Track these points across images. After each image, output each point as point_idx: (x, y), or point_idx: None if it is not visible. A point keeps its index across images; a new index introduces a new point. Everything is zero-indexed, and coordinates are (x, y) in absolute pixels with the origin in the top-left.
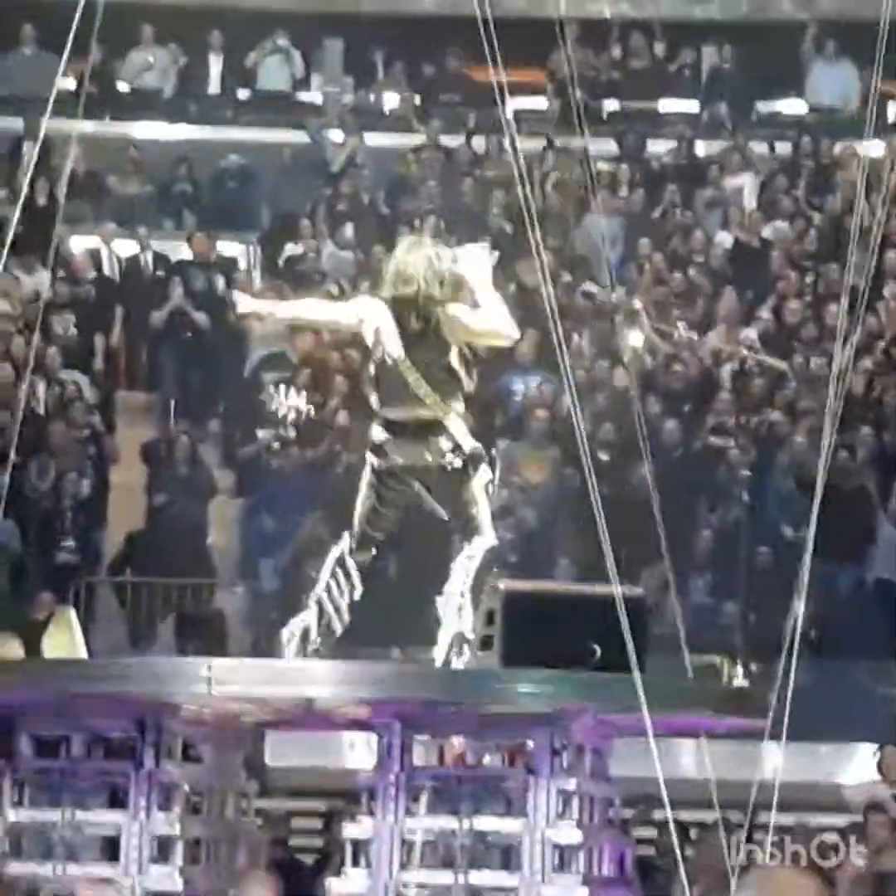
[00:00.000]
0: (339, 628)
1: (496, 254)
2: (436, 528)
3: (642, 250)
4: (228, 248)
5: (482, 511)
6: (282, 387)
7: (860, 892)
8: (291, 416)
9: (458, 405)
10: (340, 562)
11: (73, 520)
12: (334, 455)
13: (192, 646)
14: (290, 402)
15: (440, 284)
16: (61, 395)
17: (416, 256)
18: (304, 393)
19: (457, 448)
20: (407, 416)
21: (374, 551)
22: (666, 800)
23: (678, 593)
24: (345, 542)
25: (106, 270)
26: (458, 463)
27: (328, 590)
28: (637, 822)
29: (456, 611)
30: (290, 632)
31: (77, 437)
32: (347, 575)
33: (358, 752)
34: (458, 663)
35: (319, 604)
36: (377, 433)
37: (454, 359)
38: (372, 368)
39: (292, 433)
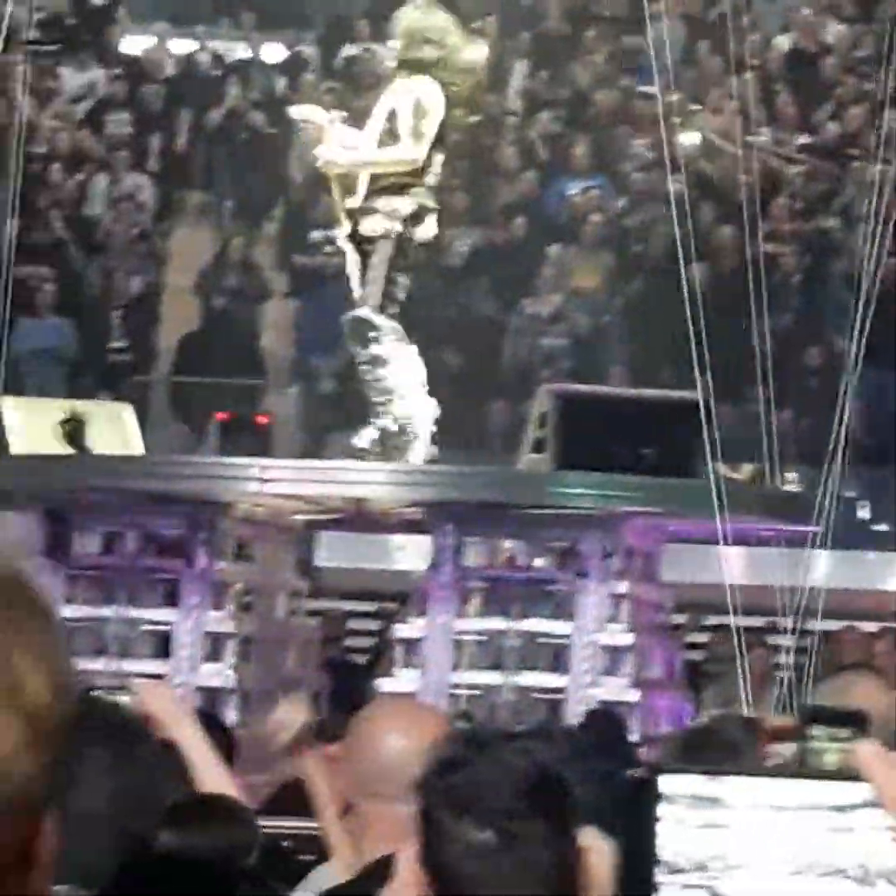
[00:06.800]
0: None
1: None
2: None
3: (700, 53)
4: (282, 50)
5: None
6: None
7: None
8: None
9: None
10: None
11: (127, 320)
12: None
13: (240, 447)
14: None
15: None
16: (117, 193)
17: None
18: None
19: (395, 212)
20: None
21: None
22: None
23: (732, 401)
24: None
25: (162, 70)
26: (395, 227)
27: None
28: (690, 627)
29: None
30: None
31: (131, 236)
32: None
33: (408, 555)
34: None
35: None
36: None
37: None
38: None
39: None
